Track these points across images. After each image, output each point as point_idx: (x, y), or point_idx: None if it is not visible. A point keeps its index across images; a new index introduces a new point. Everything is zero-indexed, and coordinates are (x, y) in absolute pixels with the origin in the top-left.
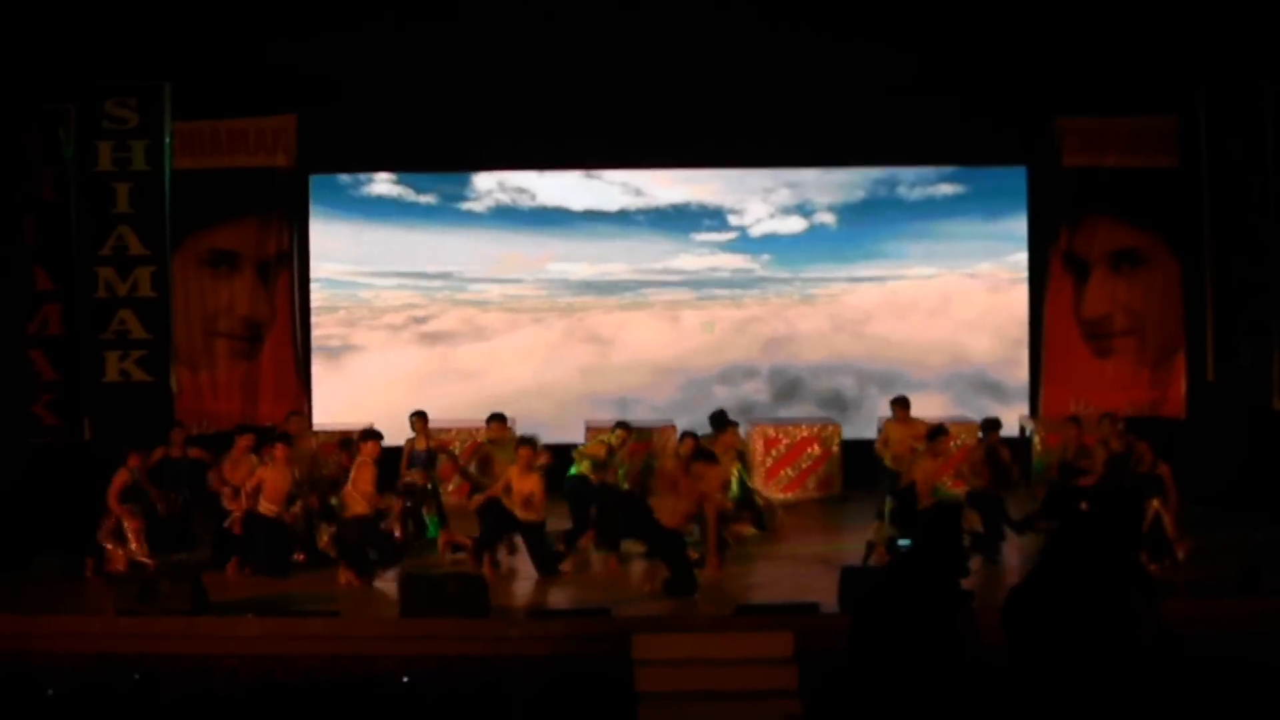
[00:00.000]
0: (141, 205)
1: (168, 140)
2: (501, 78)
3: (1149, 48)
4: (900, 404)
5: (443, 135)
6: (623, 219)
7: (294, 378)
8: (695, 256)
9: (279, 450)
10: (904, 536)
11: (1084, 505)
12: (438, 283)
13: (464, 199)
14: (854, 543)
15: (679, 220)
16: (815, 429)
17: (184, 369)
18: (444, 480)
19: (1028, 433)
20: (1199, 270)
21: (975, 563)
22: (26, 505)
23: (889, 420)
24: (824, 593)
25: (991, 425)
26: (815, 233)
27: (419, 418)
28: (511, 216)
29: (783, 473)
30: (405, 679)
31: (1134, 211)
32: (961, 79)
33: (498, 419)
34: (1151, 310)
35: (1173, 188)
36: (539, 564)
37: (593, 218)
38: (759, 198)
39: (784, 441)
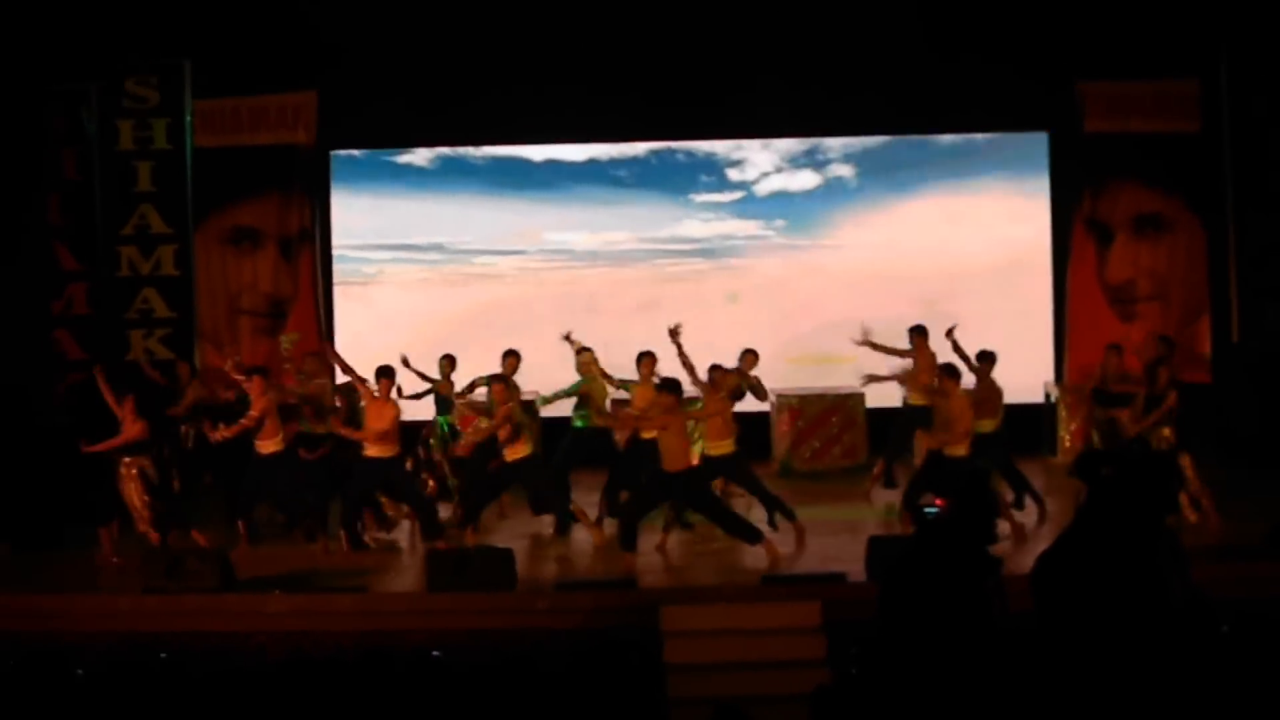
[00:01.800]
0: (163, 184)
1: (189, 118)
2: (518, 49)
3: (1170, 10)
4: (919, 333)
5: (454, 106)
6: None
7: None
8: (701, 223)
9: None
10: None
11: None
12: (433, 255)
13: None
14: (880, 510)
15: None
16: (838, 399)
17: (208, 346)
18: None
19: (1052, 399)
20: (1222, 233)
21: (1005, 529)
22: (54, 483)
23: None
24: (851, 562)
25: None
26: (831, 189)
27: (447, 361)
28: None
29: (807, 444)
30: (436, 653)
31: (1157, 176)
32: (982, 44)
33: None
34: (1175, 274)
35: (1195, 151)
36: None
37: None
38: (759, 144)
39: (807, 413)
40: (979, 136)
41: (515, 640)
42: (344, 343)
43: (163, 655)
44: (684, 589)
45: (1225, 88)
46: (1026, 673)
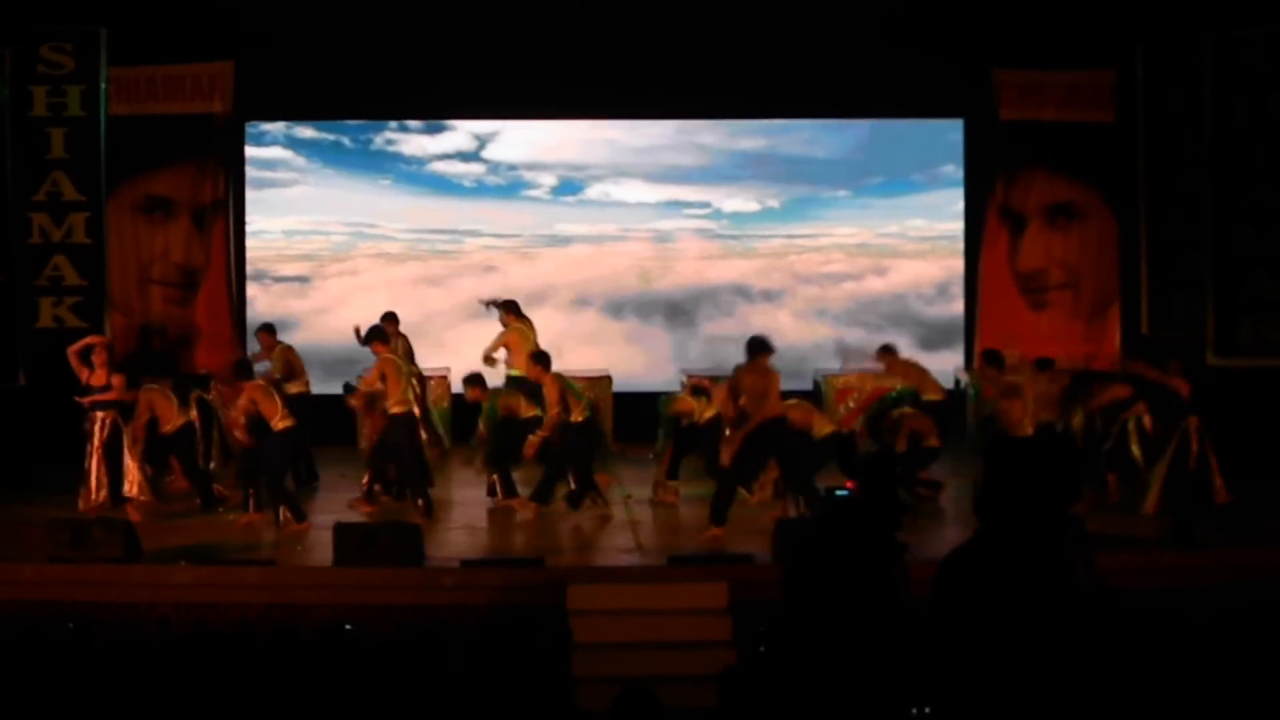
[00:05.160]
0: (76, 151)
1: (103, 86)
2: (440, 22)
3: (1087, 0)
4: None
5: (374, 79)
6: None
7: (229, 325)
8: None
9: None
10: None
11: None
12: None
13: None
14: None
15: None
16: None
17: (118, 315)
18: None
19: (962, 385)
20: (1134, 224)
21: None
22: None
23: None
24: (758, 542)
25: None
26: (748, 170)
27: (390, 320)
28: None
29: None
30: (348, 626)
31: (1071, 165)
32: (899, 30)
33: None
34: (1087, 264)
35: (1110, 142)
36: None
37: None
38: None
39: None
40: (895, 122)
41: (421, 616)
42: (255, 316)
43: (70, 625)
44: (591, 568)
45: (1141, 80)
46: (928, 658)
